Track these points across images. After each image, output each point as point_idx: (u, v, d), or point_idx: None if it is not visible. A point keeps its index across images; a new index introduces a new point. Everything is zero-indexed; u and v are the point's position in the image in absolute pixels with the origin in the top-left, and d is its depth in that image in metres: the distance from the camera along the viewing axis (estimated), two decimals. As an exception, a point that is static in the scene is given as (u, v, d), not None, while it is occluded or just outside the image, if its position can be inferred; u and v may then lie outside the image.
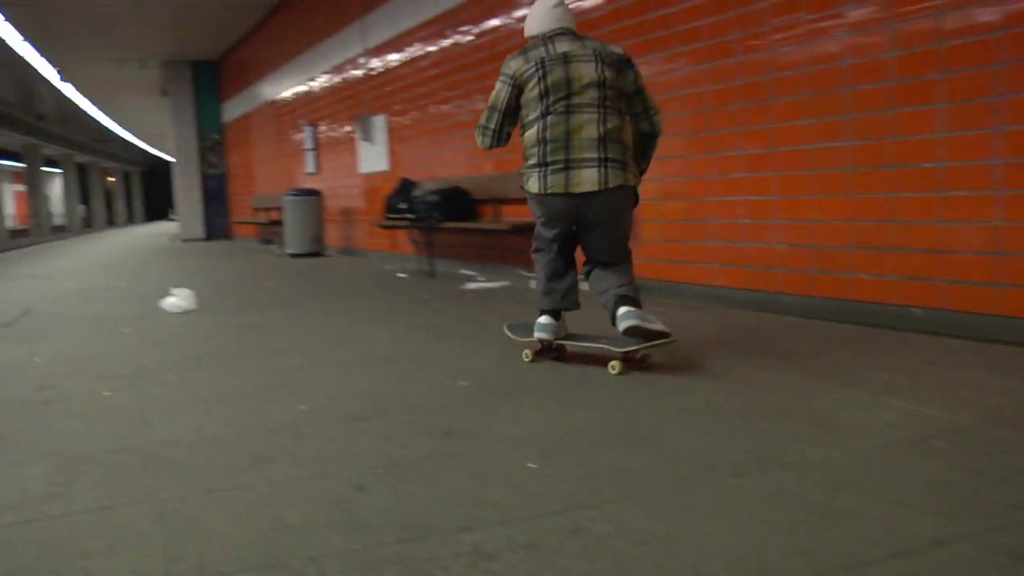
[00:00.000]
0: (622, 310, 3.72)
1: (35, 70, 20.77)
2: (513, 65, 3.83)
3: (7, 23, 15.21)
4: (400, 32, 9.95)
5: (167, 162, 51.95)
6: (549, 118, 3.73)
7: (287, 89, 14.74)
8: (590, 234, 3.89)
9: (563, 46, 3.78)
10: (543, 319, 4.01)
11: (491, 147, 4.00)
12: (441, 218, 8.09)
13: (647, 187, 6.17)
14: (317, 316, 6.03)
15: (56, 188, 54.39)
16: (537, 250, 4.06)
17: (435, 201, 8.14)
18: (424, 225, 8.36)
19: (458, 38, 8.64)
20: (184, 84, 19.50)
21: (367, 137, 11.05)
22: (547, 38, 3.84)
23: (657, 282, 6.13)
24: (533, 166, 3.81)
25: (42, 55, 18.50)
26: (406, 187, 8.81)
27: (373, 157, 10.93)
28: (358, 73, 11.37)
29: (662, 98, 5.95)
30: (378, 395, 3.58)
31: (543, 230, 3.96)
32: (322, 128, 13.14)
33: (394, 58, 10.21)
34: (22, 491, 2.48)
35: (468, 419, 3.12)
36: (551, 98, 3.72)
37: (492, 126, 3.94)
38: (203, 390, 3.80)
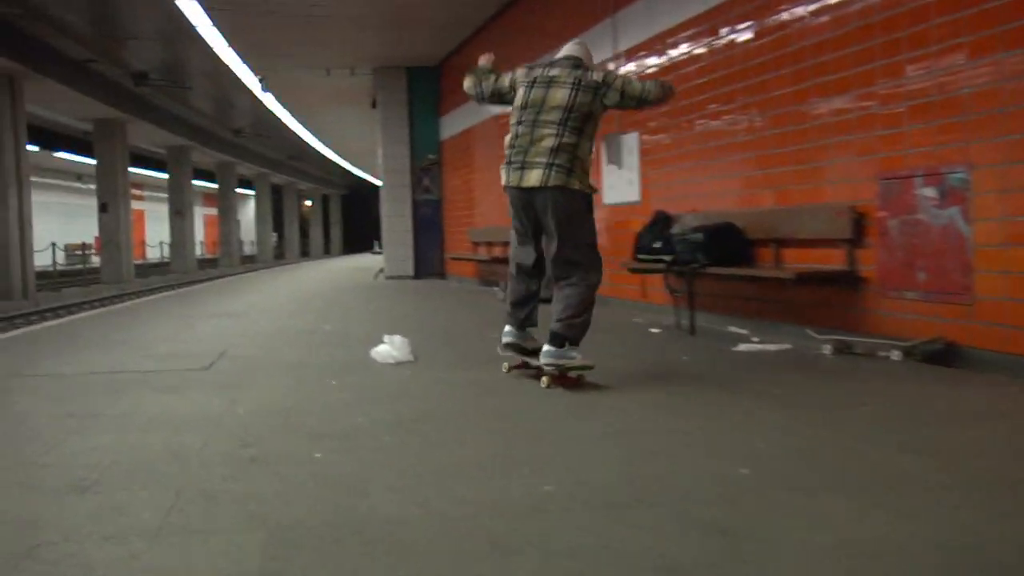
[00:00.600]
0: (544, 348, 5.54)
1: (237, 80, 22.76)
2: (520, 72, 5.89)
3: (214, 28, 16.78)
4: (658, 32, 10.08)
5: (370, 185, 55.17)
6: (520, 127, 5.69)
7: (518, 100, 15.18)
8: (545, 232, 5.80)
9: (555, 70, 5.70)
10: (506, 327, 6.05)
11: (470, 87, 6.20)
12: (706, 261, 8.05)
13: (981, 228, 5.92)
14: (553, 376, 6.15)
15: (248, 212, 59.21)
16: (510, 275, 6.16)
17: (699, 241, 8.11)
18: (684, 270, 8.36)
19: (732, 38, 8.63)
20: (397, 94, 20.29)
21: (614, 160, 11.17)
22: (553, 62, 5.81)
23: (998, 354, 5.77)
24: (504, 164, 5.78)
25: (245, 63, 20.22)
26: (662, 222, 8.85)
27: (621, 185, 11.06)
28: (605, 81, 11.57)
29: (1001, 112, 5.69)
30: (637, 478, 3.61)
31: (512, 228, 6.09)
32: (559, 147, 13.37)
33: (651, 62, 10.34)
34: (238, 563, 2.69)
35: (754, 517, 3.08)
36: (527, 111, 5.67)
37: (483, 83, 6.10)
38: (427, 458, 3.99)
